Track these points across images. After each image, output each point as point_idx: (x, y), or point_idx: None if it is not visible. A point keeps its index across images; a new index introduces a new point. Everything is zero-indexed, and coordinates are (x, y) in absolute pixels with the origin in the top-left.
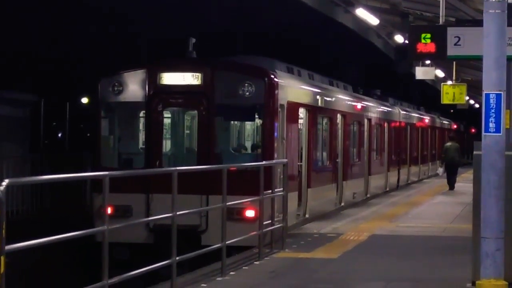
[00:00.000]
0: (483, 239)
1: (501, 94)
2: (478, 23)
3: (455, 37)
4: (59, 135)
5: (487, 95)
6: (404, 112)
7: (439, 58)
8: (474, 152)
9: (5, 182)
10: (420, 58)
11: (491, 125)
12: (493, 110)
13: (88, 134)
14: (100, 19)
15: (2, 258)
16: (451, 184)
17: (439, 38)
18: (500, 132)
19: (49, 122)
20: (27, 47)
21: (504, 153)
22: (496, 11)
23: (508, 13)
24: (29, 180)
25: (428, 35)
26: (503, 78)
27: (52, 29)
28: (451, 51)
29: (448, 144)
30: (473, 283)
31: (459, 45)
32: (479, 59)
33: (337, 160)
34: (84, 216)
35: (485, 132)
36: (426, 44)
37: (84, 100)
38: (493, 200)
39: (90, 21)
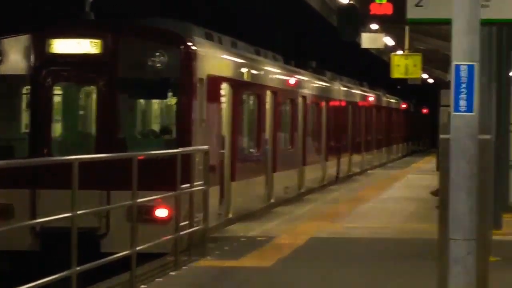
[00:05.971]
0: (452, 241)
1: (473, 65)
2: None
3: None
4: None
5: (457, 67)
6: (345, 89)
7: (398, 21)
8: (441, 136)
9: None
10: (374, 21)
11: (462, 103)
12: (464, 85)
13: None
14: None
15: None
16: None
17: None
18: (472, 112)
19: None
20: None
21: (477, 136)
22: None
23: None
24: None
25: None
26: (476, 46)
27: None
28: (412, 13)
29: None
30: None
31: (421, 6)
32: (446, 23)
33: (266, 147)
34: None
35: (454, 111)
36: (381, 4)
37: None
38: (463, 194)
39: None
